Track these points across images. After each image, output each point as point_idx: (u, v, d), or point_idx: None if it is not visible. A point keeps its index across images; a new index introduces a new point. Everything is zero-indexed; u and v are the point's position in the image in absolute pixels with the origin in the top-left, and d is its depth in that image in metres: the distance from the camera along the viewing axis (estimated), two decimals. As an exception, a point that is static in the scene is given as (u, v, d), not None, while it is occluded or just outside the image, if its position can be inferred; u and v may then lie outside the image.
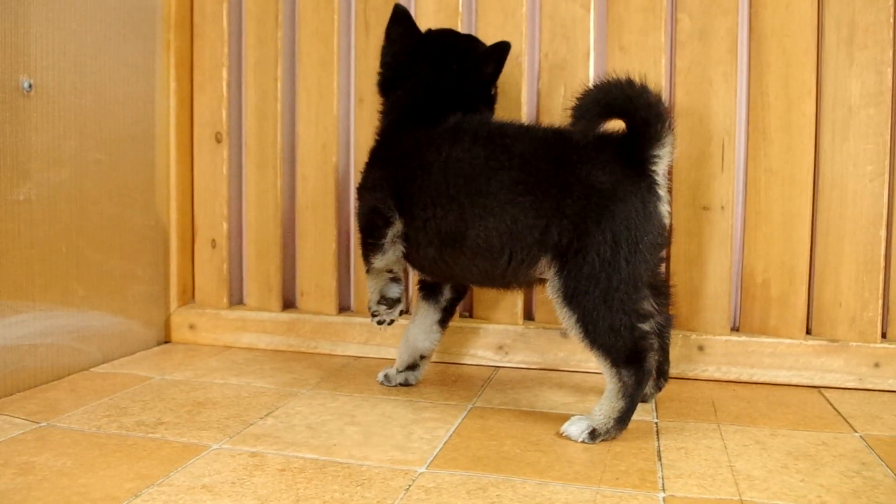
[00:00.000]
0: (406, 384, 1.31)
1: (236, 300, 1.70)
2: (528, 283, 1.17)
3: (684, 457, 0.99)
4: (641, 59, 1.38)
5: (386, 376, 1.32)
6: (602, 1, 1.42)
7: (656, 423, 1.12)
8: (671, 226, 1.36)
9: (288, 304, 1.64)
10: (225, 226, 1.63)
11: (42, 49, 1.27)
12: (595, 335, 1.04)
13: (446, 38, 1.27)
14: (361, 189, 1.23)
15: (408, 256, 1.21)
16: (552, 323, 1.43)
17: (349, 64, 1.60)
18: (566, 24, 1.41)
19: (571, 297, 1.04)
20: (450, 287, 1.30)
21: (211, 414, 1.14)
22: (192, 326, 1.63)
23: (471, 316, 1.53)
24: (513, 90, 1.43)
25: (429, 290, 1.31)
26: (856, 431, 1.09)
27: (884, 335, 1.34)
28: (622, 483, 0.90)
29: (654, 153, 1.04)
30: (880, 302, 1.31)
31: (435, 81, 1.22)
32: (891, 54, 1.28)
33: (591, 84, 1.06)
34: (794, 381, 1.33)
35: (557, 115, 1.41)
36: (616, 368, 1.04)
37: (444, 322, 1.31)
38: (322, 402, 1.21)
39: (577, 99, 1.05)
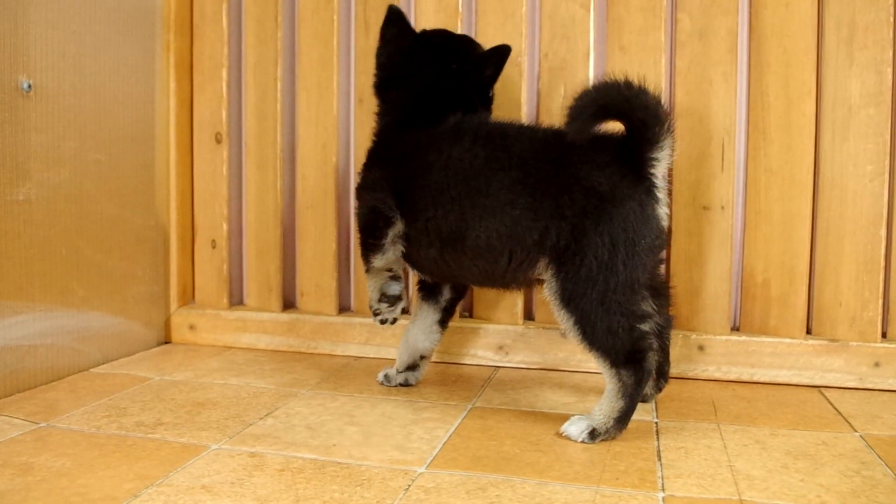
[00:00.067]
0: (406, 384, 1.31)
1: (236, 300, 1.70)
2: (528, 284, 1.17)
3: (684, 456, 0.99)
4: (641, 59, 1.38)
5: (386, 376, 1.32)
6: (602, 1, 1.42)
7: (656, 423, 1.12)
8: (671, 226, 1.36)
9: (288, 304, 1.64)
10: (225, 226, 1.63)
11: (42, 50, 1.27)
12: (593, 337, 1.04)
13: (444, 39, 1.27)
14: (361, 189, 1.22)
15: (408, 257, 1.21)
16: (552, 323, 1.43)
17: (349, 64, 1.60)
18: (566, 25, 1.41)
19: (569, 300, 1.04)
20: (449, 287, 1.30)
21: (211, 414, 1.14)
22: (192, 327, 1.63)
23: (471, 316, 1.53)
24: (513, 90, 1.43)
25: (428, 291, 1.31)
26: (856, 431, 1.09)
27: (884, 335, 1.34)
28: (622, 483, 0.90)
29: (653, 155, 1.04)
30: (880, 302, 1.31)
31: (435, 81, 1.22)
32: (891, 54, 1.28)
33: (589, 85, 1.06)
34: (795, 380, 1.33)
35: (557, 115, 1.41)
36: (615, 369, 1.04)
37: (444, 322, 1.31)
38: (322, 402, 1.21)
39: (575, 100, 1.05)
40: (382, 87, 1.27)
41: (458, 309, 1.38)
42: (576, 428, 1.04)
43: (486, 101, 1.26)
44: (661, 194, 1.06)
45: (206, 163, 1.64)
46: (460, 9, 1.47)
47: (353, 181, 1.58)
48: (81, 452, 0.98)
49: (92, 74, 1.39)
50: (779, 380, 1.33)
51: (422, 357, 1.31)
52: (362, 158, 1.26)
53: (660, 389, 1.21)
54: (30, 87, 1.25)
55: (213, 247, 1.64)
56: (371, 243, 1.19)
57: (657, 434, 1.08)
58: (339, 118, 1.56)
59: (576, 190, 1.05)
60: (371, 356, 1.52)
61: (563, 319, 1.06)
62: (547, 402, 1.22)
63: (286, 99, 1.60)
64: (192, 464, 0.94)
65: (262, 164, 1.61)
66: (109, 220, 1.44)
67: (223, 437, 1.04)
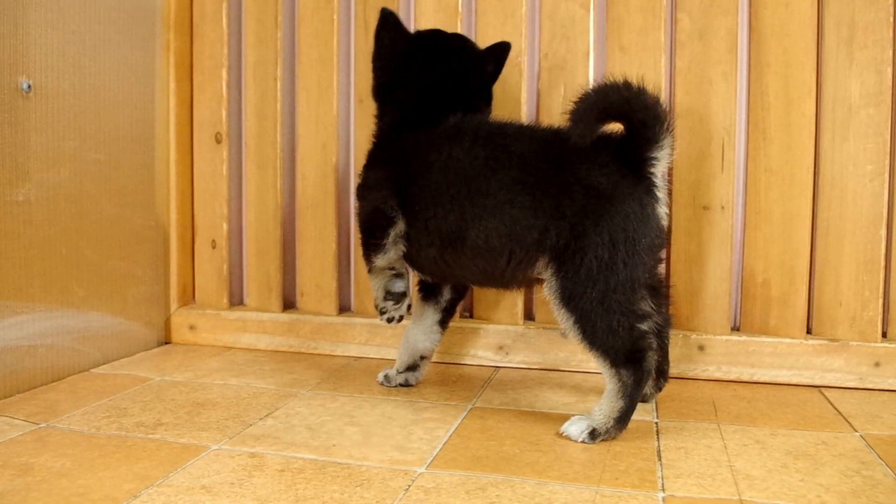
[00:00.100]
0: (406, 385, 1.31)
1: (236, 301, 1.70)
2: (528, 283, 1.17)
3: (684, 456, 0.99)
4: (641, 59, 1.38)
5: (386, 377, 1.32)
6: (602, 1, 1.42)
7: (656, 423, 1.12)
8: (671, 226, 1.36)
9: (288, 304, 1.64)
10: (225, 226, 1.63)
11: (41, 50, 1.27)
12: (593, 336, 1.04)
13: (441, 39, 1.27)
14: (362, 189, 1.22)
15: (408, 257, 1.21)
16: (552, 323, 1.43)
17: (349, 64, 1.60)
18: (566, 25, 1.41)
19: (569, 299, 1.04)
20: (449, 287, 1.30)
21: (210, 415, 1.14)
22: (192, 327, 1.63)
23: (471, 316, 1.53)
24: (513, 90, 1.43)
25: (429, 291, 1.31)
26: (856, 431, 1.09)
27: (884, 334, 1.34)
28: (622, 483, 0.90)
29: (653, 155, 1.04)
30: (880, 301, 1.31)
31: (435, 82, 1.22)
32: (891, 54, 1.28)
33: (589, 87, 1.06)
34: (795, 380, 1.33)
35: (557, 115, 1.41)
36: (615, 368, 1.04)
37: (444, 322, 1.31)
38: (322, 402, 1.21)
39: (575, 103, 1.04)
40: (382, 89, 1.27)
41: (459, 309, 1.38)
42: (576, 428, 1.04)
43: (488, 100, 1.26)
44: (661, 194, 1.06)
45: (206, 163, 1.64)
46: (460, 9, 1.47)
47: (354, 181, 1.58)
48: (81, 453, 0.98)
49: (92, 74, 1.39)
50: (779, 380, 1.33)
51: (422, 357, 1.31)
52: (362, 158, 1.26)
53: (659, 389, 1.22)
54: (29, 87, 1.25)
55: (213, 247, 1.64)
56: (373, 243, 1.19)
57: (657, 434, 1.08)
58: (339, 118, 1.56)
59: (576, 189, 1.05)
60: (371, 356, 1.52)
61: (563, 319, 1.06)
62: (547, 403, 1.22)
63: (286, 99, 1.60)
64: (192, 464, 0.94)
65: (262, 163, 1.61)
66: (109, 219, 1.44)
67: (223, 438, 1.04)
